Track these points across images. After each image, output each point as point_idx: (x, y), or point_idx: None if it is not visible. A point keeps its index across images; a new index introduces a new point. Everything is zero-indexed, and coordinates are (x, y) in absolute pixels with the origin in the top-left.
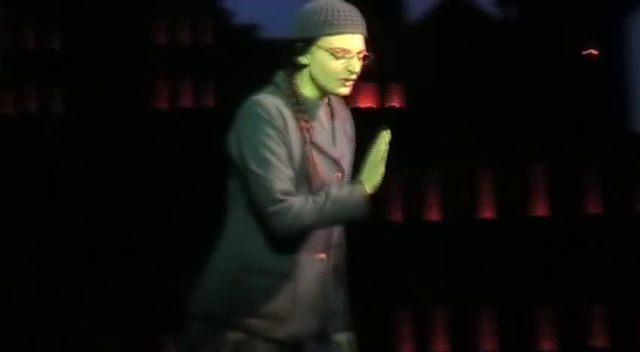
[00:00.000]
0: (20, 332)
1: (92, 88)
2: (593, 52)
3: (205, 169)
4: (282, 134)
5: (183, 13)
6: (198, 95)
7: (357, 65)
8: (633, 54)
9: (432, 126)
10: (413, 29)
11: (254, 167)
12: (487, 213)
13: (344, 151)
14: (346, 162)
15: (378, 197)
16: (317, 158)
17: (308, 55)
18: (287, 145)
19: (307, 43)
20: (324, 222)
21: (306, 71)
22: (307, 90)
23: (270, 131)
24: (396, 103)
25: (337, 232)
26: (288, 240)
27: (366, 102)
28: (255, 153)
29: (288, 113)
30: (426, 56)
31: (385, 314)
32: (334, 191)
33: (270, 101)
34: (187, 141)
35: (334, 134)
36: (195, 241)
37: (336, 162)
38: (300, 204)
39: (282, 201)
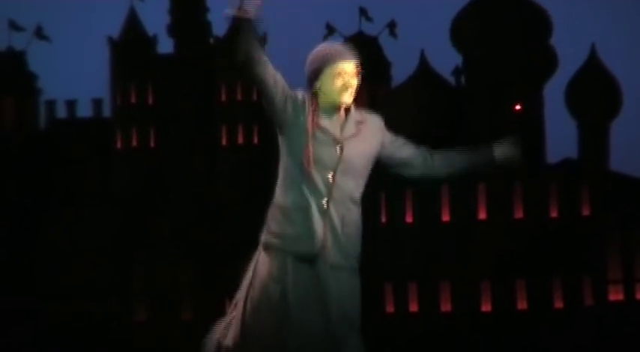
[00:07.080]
0: None
1: None
2: (519, 107)
3: None
4: (293, 102)
5: None
6: None
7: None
8: (547, 107)
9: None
10: (398, 90)
11: None
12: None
13: (349, 134)
14: (352, 140)
15: None
16: (319, 133)
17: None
18: (288, 107)
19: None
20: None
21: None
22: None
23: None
24: None
25: (338, 188)
26: (298, 192)
27: None
28: None
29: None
30: (408, 106)
31: None
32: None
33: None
34: None
35: (345, 125)
36: None
37: (335, 140)
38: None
39: None
